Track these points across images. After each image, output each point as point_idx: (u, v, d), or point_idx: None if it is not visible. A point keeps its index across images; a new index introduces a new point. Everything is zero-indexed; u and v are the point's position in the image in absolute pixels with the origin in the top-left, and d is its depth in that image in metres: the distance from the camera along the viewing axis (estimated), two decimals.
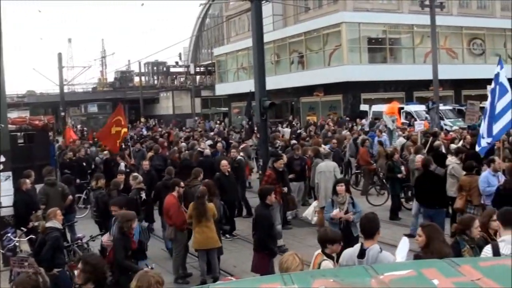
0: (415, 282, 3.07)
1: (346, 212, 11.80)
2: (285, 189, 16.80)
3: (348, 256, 7.59)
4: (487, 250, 7.51)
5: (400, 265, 4.21)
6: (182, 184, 13.98)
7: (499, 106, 14.75)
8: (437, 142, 20.49)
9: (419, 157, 16.59)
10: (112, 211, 12.09)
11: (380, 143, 24.16)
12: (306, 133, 34.62)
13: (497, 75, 15.02)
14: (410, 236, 11.14)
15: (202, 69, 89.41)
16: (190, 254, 14.17)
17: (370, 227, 7.73)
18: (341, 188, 12.13)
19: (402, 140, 24.40)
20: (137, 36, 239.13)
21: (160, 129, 50.73)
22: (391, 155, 19.62)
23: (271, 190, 12.15)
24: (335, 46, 49.90)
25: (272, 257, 11.41)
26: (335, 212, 11.86)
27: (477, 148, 16.09)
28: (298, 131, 38.20)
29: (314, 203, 17.06)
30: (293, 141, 26.20)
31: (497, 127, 14.89)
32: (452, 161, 16.19)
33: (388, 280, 3.10)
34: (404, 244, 7.30)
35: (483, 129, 15.52)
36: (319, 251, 8.04)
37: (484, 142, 15.40)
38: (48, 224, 10.87)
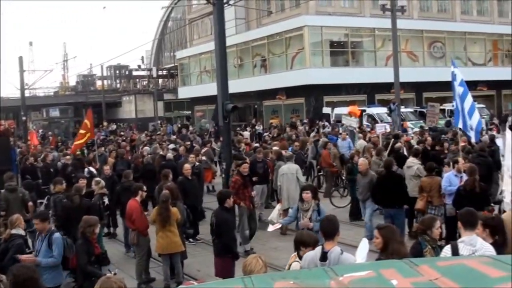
0: (374, 282, 3.10)
1: (311, 219, 11.70)
2: (254, 193, 16.79)
3: (310, 259, 7.62)
4: (447, 250, 7.61)
5: (359, 266, 4.24)
6: (144, 188, 13.90)
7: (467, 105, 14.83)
8: (398, 144, 20.69)
9: (362, 160, 16.66)
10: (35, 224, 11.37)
11: (334, 145, 24.31)
12: (270, 135, 34.74)
13: (454, 75, 15.10)
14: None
15: (164, 72, 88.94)
16: (153, 258, 14.10)
17: (330, 229, 7.78)
18: (306, 195, 11.84)
19: (362, 142, 24.52)
20: (99, 40, 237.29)
21: (122, 134, 50.34)
22: (351, 157, 19.77)
23: (229, 193, 12.14)
24: (298, 49, 50.17)
25: (235, 260, 11.40)
26: (303, 222, 11.70)
27: (473, 140, 16.37)
28: (265, 134, 38.33)
29: (278, 206, 17.06)
30: (256, 144, 26.23)
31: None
32: (415, 162, 16.37)
33: (348, 281, 3.12)
34: (364, 246, 7.36)
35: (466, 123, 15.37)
36: (295, 253, 8.11)
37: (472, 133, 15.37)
38: (13, 231, 10.69)
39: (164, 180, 15.81)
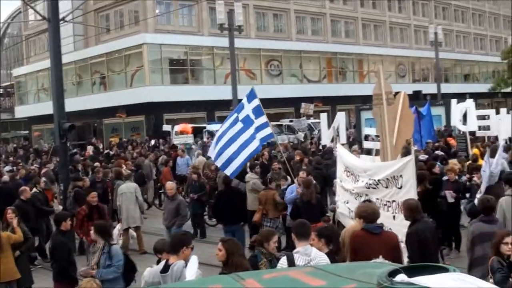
0: None
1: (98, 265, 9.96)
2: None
3: (154, 272, 7.65)
4: (283, 261, 7.75)
5: (186, 283, 4.32)
6: None
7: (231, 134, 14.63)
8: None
9: (169, 184, 15.56)
10: None
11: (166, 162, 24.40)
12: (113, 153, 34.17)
13: (241, 106, 15.14)
14: None
15: (1, 91, 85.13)
16: None
17: (175, 243, 7.83)
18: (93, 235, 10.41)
19: (202, 159, 24.60)
20: None
21: None
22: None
23: (65, 216, 11.71)
24: (137, 67, 49.89)
25: (75, 285, 11.06)
26: (83, 269, 10.34)
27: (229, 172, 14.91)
28: (106, 151, 37.57)
29: (118, 226, 16.87)
30: (96, 163, 25.66)
31: (226, 156, 14.50)
32: (251, 177, 16.72)
33: None
34: (193, 262, 7.42)
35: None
36: None
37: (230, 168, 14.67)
38: None
39: None
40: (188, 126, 36.21)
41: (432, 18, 74.79)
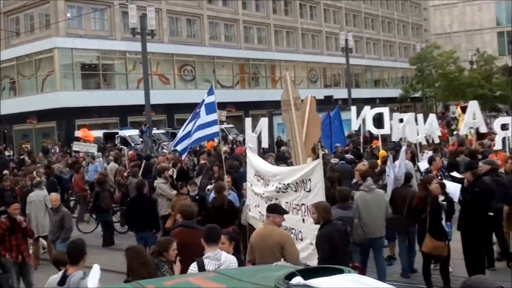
0: None
1: None
2: None
3: (53, 281, 7.51)
4: (193, 267, 7.73)
5: None
6: None
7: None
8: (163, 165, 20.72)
9: (53, 196, 15.31)
10: None
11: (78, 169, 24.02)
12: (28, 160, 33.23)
13: (203, 101, 15.78)
14: None
15: None
16: None
17: (75, 254, 7.70)
18: None
19: (113, 165, 24.22)
20: None
21: None
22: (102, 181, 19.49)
23: None
24: (48, 71, 48.92)
25: None
26: None
27: (179, 148, 17.05)
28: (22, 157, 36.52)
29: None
30: (5, 171, 24.91)
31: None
32: (159, 181, 16.62)
33: None
34: (95, 271, 7.29)
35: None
36: None
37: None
38: None
39: None
40: (90, 133, 35.43)
41: (343, 25, 76.38)
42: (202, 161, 22.52)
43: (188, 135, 15.99)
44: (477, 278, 3.61)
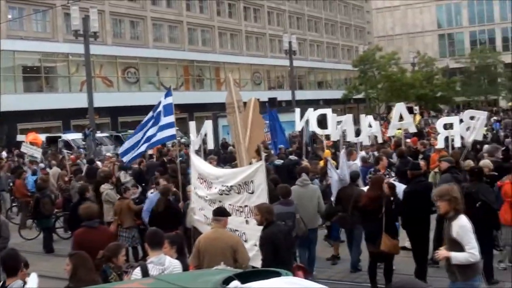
0: None
1: None
2: None
3: None
4: (137, 272, 7.62)
5: None
6: None
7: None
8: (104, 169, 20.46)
9: None
10: None
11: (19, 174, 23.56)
12: None
13: (159, 103, 15.56)
14: None
15: None
16: None
17: (12, 264, 7.50)
18: None
19: (56, 169, 23.78)
20: None
21: None
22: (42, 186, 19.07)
23: None
24: None
25: None
26: None
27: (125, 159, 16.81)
28: None
29: None
30: None
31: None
32: (105, 187, 16.42)
33: None
34: (33, 280, 7.14)
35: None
36: None
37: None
38: None
39: None
40: (39, 137, 34.83)
41: (286, 27, 76.89)
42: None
43: (136, 145, 15.72)
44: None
